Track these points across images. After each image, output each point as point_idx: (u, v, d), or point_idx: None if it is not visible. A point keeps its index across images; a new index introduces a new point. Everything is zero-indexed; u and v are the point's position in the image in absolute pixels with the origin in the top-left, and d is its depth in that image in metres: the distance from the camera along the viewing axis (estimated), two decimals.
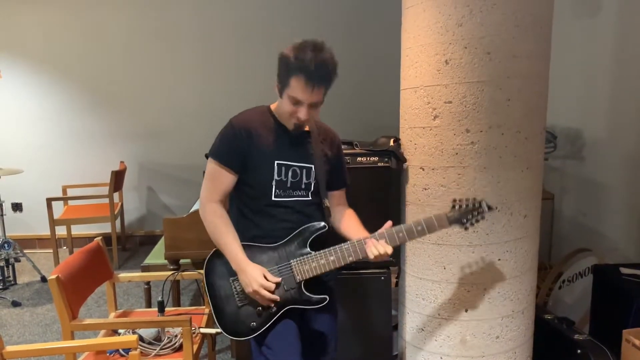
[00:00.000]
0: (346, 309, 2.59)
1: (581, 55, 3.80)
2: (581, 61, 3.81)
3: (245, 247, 1.86)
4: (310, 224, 1.91)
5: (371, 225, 2.50)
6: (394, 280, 2.70)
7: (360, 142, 2.60)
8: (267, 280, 1.79)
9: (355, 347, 2.64)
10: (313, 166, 1.93)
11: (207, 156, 1.93)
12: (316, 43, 1.74)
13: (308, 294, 1.87)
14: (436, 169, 2.27)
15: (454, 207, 1.85)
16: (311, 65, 1.70)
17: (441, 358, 2.39)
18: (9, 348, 1.90)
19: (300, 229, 1.90)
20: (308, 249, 1.88)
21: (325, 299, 1.88)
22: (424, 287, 2.40)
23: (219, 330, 2.54)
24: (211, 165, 1.90)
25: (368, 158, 2.51)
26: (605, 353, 2.38)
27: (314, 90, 1.75)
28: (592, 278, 2.98)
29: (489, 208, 1.86)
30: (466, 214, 1.84)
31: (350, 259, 1.83)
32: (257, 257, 1.87)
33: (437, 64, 2.19)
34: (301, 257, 1.86)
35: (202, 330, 2.50)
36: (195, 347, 2.35)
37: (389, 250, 1.79)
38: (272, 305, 1.83)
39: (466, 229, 1.87)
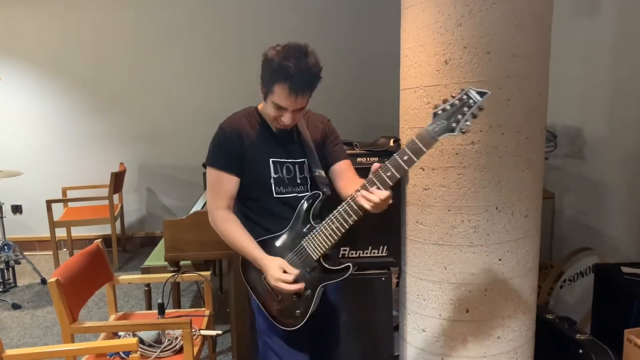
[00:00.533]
0: (347, 309, 2.58)
1: (581, 54, 3.80)
2: (581, 60, 3.80)
3: (261, 242, 1.86)
4: (305, 198, 1.89)
5: (371, 225, 2.51)
6: (394, 280, 2.69)
7: (360, 142, 2.59)
8: (286, 272, 1.77)
9: (356, 348, 2.63)
10: (305, 159, 1.93)
11: (204, 165, 1.92)
12: (300, 48, 1.71)
13: (332, 268, 1.83)
14: (436, 169, 2.26)
15: (435, 114, 1.56)
16: (295, 73, 1.67)
17: (442, 359, 2.38)
18: (9, 352, 1.89)
19: (299, 206, 1.88)
20: (312, 224, 1.85)
21: (350, 266, 1.81)
22: (424, 287, 2.39)
23: (219, 332, 2.55)
24: (212, 173, 1.88)
25: (368, 159, 2.50)
26: (607, 353, 2.37)
27: (298, 98, 1.73)
28: (593, 277, 2.97)
29: (481, 94, 1.52)
30: (454, 115, 1.53)
31: (352, 219, 1.71)
32: (274, 248, 1.86)
33: (436, 64, 2.18)
34: (309, 235, 1.83)
35: (203, 332, 2.50)
36: (196, 349, 2.35)
37: (384, 195, 1.60)
38: (302, 293, 1.81)
39: (463, 132, 1.54)
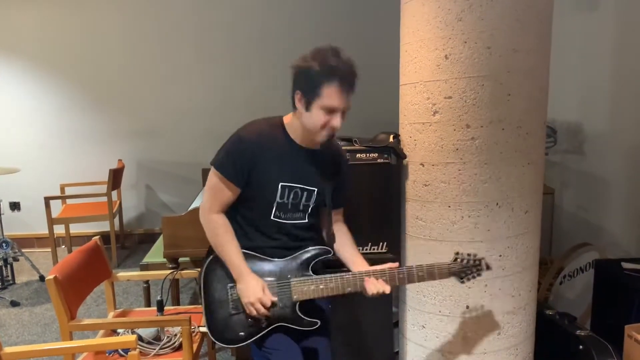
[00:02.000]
0: (346, 306, 2.58)
1: (581, 49, 3.78)
2: (581, 55, 3.79)
3: (247, 256, 1.85)
4: (315, 248, 1.90)
5: (371, 222, 2.50)
6: None
7: (360, 138, 2.58)
8: (265, 295, 1.78)
9: (356, 345, 2.63)
10: (316, 189, 1.90)
11: (211, 163, 1.88)
12: (332, 48, 1.71)
13: (301, 315, 1.86)
14: (436, 164, 2.25)
15: (455, 259, 1.88)
16: (341, 70, 1.67)
17: (442, 355, 2.37)
18: (7, 349, 1.88)
19: (306, 249, 1.89)
20: (310, 272, 1.87)
21: (316, 322, 1.87)
22: (424, 283, 2.38)
23: None
24: (215, 177, 1.85)
25: (367, 154, 2.49)
26: (608, 349, 2.37)
27: (348, 95, 1.71)
28: (593, 273, 2.96)
29: (488, 268, 1.91)
30: (465, 270, 1.87)
31: (349, 290, 1.83)
32: (258, 267, 1.86)
33: (436, 59, 2.17)
34: (301, 278, 1.85)
35: (202, 329, 2.49)
36: (195, 346, 2.34)
37: (387, 290, 1.80)
38: (263, 319, 1.83)
39: (462, 282, 1.90)
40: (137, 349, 1.97)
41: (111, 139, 5.57)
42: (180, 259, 3.16)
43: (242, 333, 1.85)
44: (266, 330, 1.85)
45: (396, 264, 1.86)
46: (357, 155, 2.48)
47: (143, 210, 5.78)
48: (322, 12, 5.42)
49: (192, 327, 2.34)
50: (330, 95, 1.68)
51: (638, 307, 2.56)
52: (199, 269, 1.97)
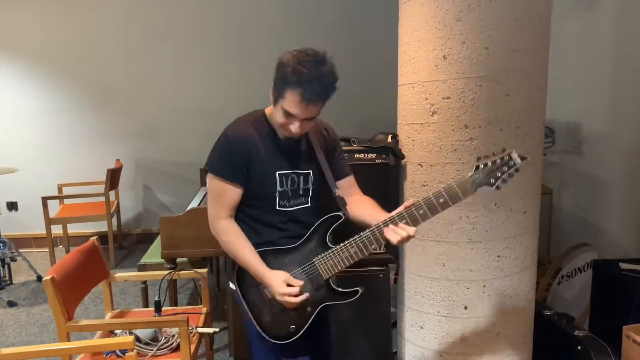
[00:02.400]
0: (345, 306, 2.57)
1: (580, 49, 3.78)
2: (579, 55, 3.79)
3: (266, 252, 1.82)
4: (326, 217, 1.85)
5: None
6: (392, 277, 2.68)
7: (358, 138, 2.57)
8: (290, 285, 1.74)
9: (354, 345, 2.62)
10: (311, 171, 1.88)
11: (206, 170, 1.86)
12: (317, 55, 1.65)
13: (339, 289, 1.82)
14: (435, 165, 2.25)
15: (477, 167, 1.63)
16: (308, 80, 1.61)
17: (441, 356, 2.37)
18: (4, 350, 1.88)
19: (317, 223, 1.84)
20: (328, 244, 1.82)
21: (357, 291, 1.83)
22: (422, 284, 2.38)
23: (217, 329, 2.53)
24: (214, 182, 1.82)
25: (366, 155, 2.49)
26: (606, 349, 2.37)
27: (309, 107, 1.65)
28: (591, 273, 2.96)
29: (522, 158, 1.61)
30: (494, 172, 1.61)
31: (373, 247, 1.73)
32: (279, 260, 1.82)
33: (435, 60, 2.16)
34: (323, 254, 1.80)
35: (200, 329, 2.48)
36: (193, 346, 2.34)
37: (411, 231, 1.65)
38: (307, 307, 1.79)
39: (498, 188, 1.62)
40: (135, 350, 1.96)
41: (109, 138, 5.56)
42: (178, 260, 3.15)
43: (293, 326, 1.80)
44: (314, 315, 1.81)
45: (411, 201, 1.68)
46: (355, 156, 2.48)
47: (141, 210, 5.77)
48: (322, 12, 5.41)
49: (190, 328, 2.33)
50: (290, 101, 1.65)
51: (636, 307, 2.56)
52: (230, 280, 1.93)
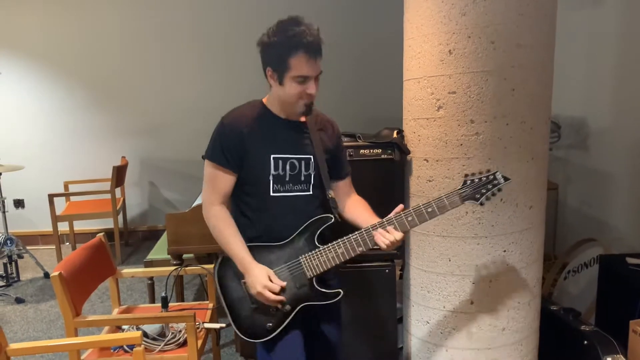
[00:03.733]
0: (351, 302, 2.58)
1: (585, 44, 3.77)
2: (585, 50, 3.77)
3: (252, 248, 1.83)
4: (316, 218, 1.87)
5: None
6: (398, 273, 2.68)
7: (363, 134, 2.57)
8: (272, 282, 1.75)
9: (360, 340, 2.63)
10: (312, 156, 1.88)
11: (203, 158, 1.89)
12: (293, 18, 1.73)
13: (321, 289, 1.83)
14: (440, 160, 2.25)
15: (465, 182, 1.77)
16: (305, 38, 1.67)
17: (447, 351, 2.38)
18: (13, 346, 1.89)
19: (307, 223, 1.86)
20: (316, 243, 1.84)
21: (339, 292, 1.85)
22: (428, 279, 2.38)
23: (223, 325, 2.54)
24: (209, 168, 1.86)
25: (371, 150, 2.49)
26: (612, 344, 2.37)
27: (317, 61, 1.72)
28: (597, 268, 2.96)
29: (505, 179, 1.76)
30: (480, 189, 1.75)
31: (360, 249, 1.78)
32: (265, 257, 1.83)
33: (440, 54, 2.16)
34: (310, 253, 1.82)
35: (206, 325, 2.49)
36: (200, 342, 2.35)
37: (399, 236, 1.73)
38: (282, 306, 1.79)
39: (481, 204, 1.77)
40: (142, 345, 1.97)
41: (114, 136, 5.58)
42: (184, 256, 3.17)
43: (269, 324, 1.81)
44: (292, 315, 1.81)
45: (401, 207, 1.78)
46: (361, 151, 2.47)
47: (147, 207, 5.79)
48: (325, 8, 5.40)
49: (197, 323, 2.34)
50: (299, 65, 1.70)
51: None
52: (212, 271, 1.95)
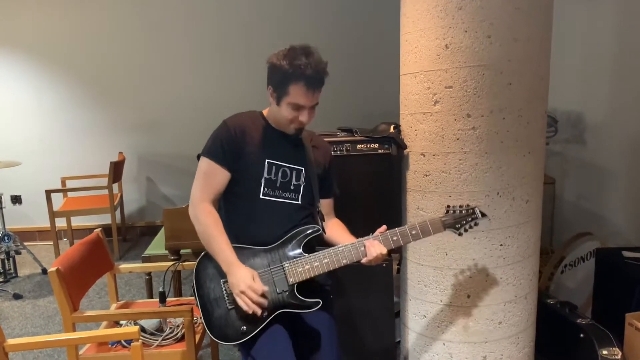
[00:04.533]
0: (348, 296, 2.59)
1: (582, 38, 3.77)
2: (582, 44, 3.77)
3: (236, 249, 1.83)
4: (304, 227, 1.91)
5: (371, 212, 2.50)
6: (395, 267, 2.69)
7: (360, 129, 2.57)
8: (256, 283, 1.76)
9: (357, 334, 2.64)
10: (304, 169, 1.95)
11: (198, 157, 1.91)
12: (304, 47, 1.79)
13: (301, 297, 1.84)
14: (437, 154, 2.25)
15: (447, 212, 1.88)
16: (309, 70, 1.74)
17: (444, 344, 2.39)
18: (11, 341, 1.89)
19: (294, 231, 1.89)
20: (301, 251, 1.87)
21: (318, 302, 1.85)
22: (425, 273, 2.39)
23: None
24: (205, 164, 1.88)
25: (368, 145, 2.49)
26: (609, 337, 2.38)
27: (314, 94, 1.80)
28: (594, 262, 2.97)
29: (483, 215, 1.89)
30: (459, 220, 1.87)
31: (345, 261, 1.83)
32: (249, 260, 1.85)
33: (437, 49, 2.16)
34: (294, 259, 1.84)
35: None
36: (198, 337, 2.35)
37: (384, 250, 1.80)
38: (260, 313, 1.77)
39: (460, 234, 1.88)
40: (140, 340, 1.98)
41: (112, 132, 5.57)
42: (182, 251, 3.17)
43: (243, 327, 1.82)
44: (268, 320, 1.83)
45: (384, 227, 1.86)
46: (358, 146, 2.48)
47: (144, 202, 5.79)
48: (322, 3, 5.39)
49: (195, 318, 2.35)
50: (297, 94, 1.78)
51: (639, 295, 2.57)
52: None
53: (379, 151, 2.48)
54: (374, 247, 1.80)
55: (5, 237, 4.35)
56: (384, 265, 2.59)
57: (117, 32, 5.40)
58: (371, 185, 2.49)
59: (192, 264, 2.76)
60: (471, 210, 1.88)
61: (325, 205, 2.09)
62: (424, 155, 2.30)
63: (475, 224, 1.88)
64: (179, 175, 5.64)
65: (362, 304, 2.62)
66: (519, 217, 2.26)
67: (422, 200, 2.33)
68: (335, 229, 2.03)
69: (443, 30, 2.12)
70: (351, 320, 2.61)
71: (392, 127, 2.49)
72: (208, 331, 1.86)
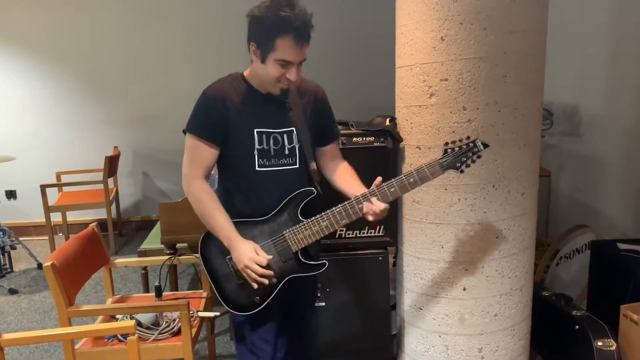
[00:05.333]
0: (344, 289, 2.59)
1: (577, 30, 3.76)
2: (577, 36, 3.77)
3: (236, 224, 1.81)
4: (298, 191, 1.86)
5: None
6: (391, 260, 2.70)
7: (356, 122, 2.57)
8: (259, 255, 1.74)
9: (353, 327, 2.64)
10: (294, 129, 1.85)
11: (184, 132, 1.84)
12: None
13: (306, 261, 1.84)
14: (433, 147, 2.25)
15: (446, 151, 1.77)
16: (296, 21, 1.62)
17: (440, 336, 2.39)
18: (6, 336, 1.88)
19: (289, 197, 1.85)
20: (300, 217, 1.84)
21: (324, 263, 1.86)
22: (421, 266, 2.39)
23: (217, 313, 2.55)
24: (190, 141, 1.81)
25: (364, 138, 2.49)
26: (604, 328, 2.39)
27: (303, 48, 1.68)
28: (589, 254, 2.98)
29: (485, 145, 1.76)
30: (460, 157, 1.75)
31: (344, 221, 1.78)
32: (249, 233, 1.82)
33: (432, 41, 2.15)
34: (294, 227, 1.82)
35: (201, 314, 2.50)
36: (194, 331, 2.35)
37: (382, 206, 1.73)
38: (269, 281, 1.76)
39: (462, 172, 1.78)
40: (136, 334, 1.97)
41: (107, 126, 5.54)
42: (178, 245, 3.16)
43: (257, 298, 1.82)
44: (279, 287, 1.82)
45: (379, 179, 1.77)
46: (354, 139, 2.47)
47: (140, 197, 5.77)
48: None
49: (191, 312, 2.35)
50: (284, 48, 1.65)
51: (634, 287, 2.58)
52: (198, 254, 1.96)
53: (375, 144, 2.48)
54: (370, 206, 1.74)
55: (0, 232, 4.33)
56: (380, 258, 2.59)
57: (113, 26, 5.36)
58: (367, 178, 2.47)
59: (188, 257, 2.77)
60: (472, 144, 1.75)
61: (330, 151, 2.00)
62: (420, 148, 2.30)
63: (478, 157, 1.77)
64: (175, 169, 5.56)
65: (358, 296, 2.62)
66: (514, 209, 2.26)
67: (418, 193, 2.33)
68: (343, 177, 1.93)
69: (439, 23, 2.12)
70: (347, 312, 2.61)
71: (387, 120, 2.48)
72: (225, 305, 1.85)
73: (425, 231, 2.34)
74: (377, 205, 1.73)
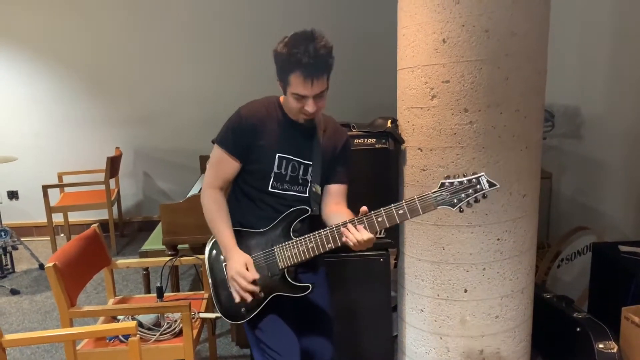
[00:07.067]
0: (345, 290, 2.59)
1: (579, 32, 3.76)
2: (579, 38, 3.77)
3: (237, 233, 1.88)
4: (293, 209, 1.90)
5: (368, 207, 2.50)
6: (392, 261, 2.70)
7: (357, 123, 2.57)
8: (247, 271, 1.78)
9: (354, 329, 2.64)
10: (312, 163, 1.92)
11: (213, 142, 1.93)
12: (306, 34, 1.71)
13: (291, 281, 1.87)
14: (434, 149, 2.25)
15: (443, 184, 1.64)
16: (305, 58, 1.66)
17: (441, 338, 2.39)
18: (8, 336, 1.89)
19: (285, 213, 1.89)
20: (291, 235, 1.87)
21: (308, 287, 1.87)
22: (422, 268, 2.39)
23: (219, 314, 2.54)
24: (217, 152, 1.91)
25: (365, 140, 2.49)
26: (605, 331, 2.39)
27: (315, 83, 1.71)
28: (590, 256, 2.98)
29: (491, 185, 1.59)
30: (458, 193, 1.62)
31: (330, 245, 1.77)
32: (245, 242, 1.88)
33: (434, 43, 2.15)
34: (283, 243, 1.85)
35: (202, 315, 2.50)
36: (195, 332, 2.35)
37: (366, 236, 1.66)
38: (255, 295, 1.79)
39: (460, 210, 1.63)
40: (138, 335, 1.98)
41: (108, 127, 5.55)
42: (179, 246, 3.17)
43: (244, 309, 1.87)
44: (265, 303, 1.86)
45: (364, 209, 1.69)
46: (355, 141, 2.47)
47: (141, 198, 5.78)
48: None
49: (192, 313, 2.35)
50: (296, 83, 1.72)
51: (635, 289, 2.58)
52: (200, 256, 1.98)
53: (376, 146, 2.48)
54: (355, 234, 1.67)
55: (2, 233, 4.33)
56: (381, 260, 2.59)
57: (114, 26, 5.37)
58: (368, 180, 2.49)
59: (189, 259, 2.77)
60: (475, 180, 1.60)
61: (334, 193, 1.97)
62: (421, 150, 2.30)
63: (484, 197, 1.60)
64: (177, 170, 5.63)
65: (360, 298, 2.62)
66: (515, 211, 2.26)
67: None
68: (339, 212, 1.88)
69: (440, 25, 2.12)
70: (348, 314, 2.61)
71: (389, 121, 2.49)
72: (219, 310, 1.91)
73: (426, 233, 2.34)
74: (362, 234, 1.66)
